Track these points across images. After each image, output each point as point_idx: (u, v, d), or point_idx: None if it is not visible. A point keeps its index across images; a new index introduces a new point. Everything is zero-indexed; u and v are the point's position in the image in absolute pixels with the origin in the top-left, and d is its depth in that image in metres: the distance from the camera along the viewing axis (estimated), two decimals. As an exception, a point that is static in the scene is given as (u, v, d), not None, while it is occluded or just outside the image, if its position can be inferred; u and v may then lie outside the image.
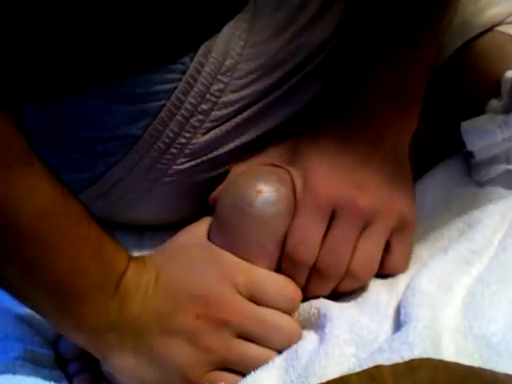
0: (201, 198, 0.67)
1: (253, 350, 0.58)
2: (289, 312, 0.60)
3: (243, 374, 0.58)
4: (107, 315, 0.56)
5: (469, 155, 0.70)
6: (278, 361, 0.58)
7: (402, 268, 0.63)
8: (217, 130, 0.65)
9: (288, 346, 0.58)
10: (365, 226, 0.60)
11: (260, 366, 0.57)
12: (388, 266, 0.63)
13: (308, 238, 0.60)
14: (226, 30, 0.63)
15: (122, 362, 0.57)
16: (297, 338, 0.59)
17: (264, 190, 0.60)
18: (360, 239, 0.60)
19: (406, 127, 0.65)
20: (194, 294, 0.58)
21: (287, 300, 0.60)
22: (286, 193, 0.60)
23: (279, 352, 0.59)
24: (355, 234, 0.60)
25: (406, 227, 0.63)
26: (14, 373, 0.60)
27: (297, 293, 0.60)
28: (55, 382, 0.60)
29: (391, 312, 0.58)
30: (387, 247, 0.62)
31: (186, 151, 0.65)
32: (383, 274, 0.63)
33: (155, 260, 0.60)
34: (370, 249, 0.61)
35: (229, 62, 0.63)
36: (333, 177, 0.60)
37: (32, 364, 0.61)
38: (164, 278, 0.58)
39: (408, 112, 0.65)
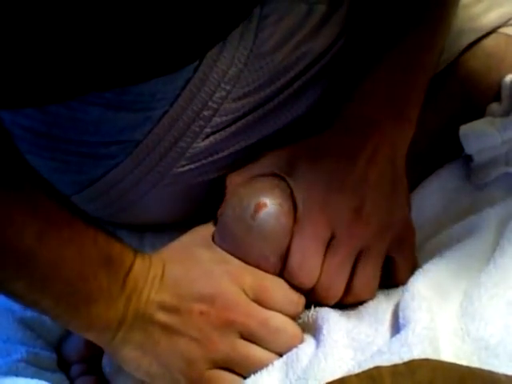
0: (200, 199, 0.67)
1: (256, 351, 0.58)
2: (293, 316, 0.60)
3: (243, 376, 0.58)
4: (116, 312, 0.57)
5: (468, 159, 0.70)
6: (278, 363, 0.58)
7: (405, 280, 0.62)
8: (216, 136, 0.65)
9: (290, 349, 0.59)
10: (362, 248, 0.61)
11: (261, 368, 0.58)
12: (391, 280, 0.63)
13: (308, 263, 0.60)
14: (232, 39, 0.62)
15: (128, 355, 0.58)
16: (299, 342, 0.59)
17: (267, 203, 0.61)
18: (359, 261, 0.61)
19: (402, 135, 0.65)
20: (200, 291, 0.58)
21: (292, 304, 0.60)
22: (287, 207, 0.61)
23: (281, 355, 0.59)
24: (352, 258, 0.61)
25: (405, 240, 0.63)
26: (17, 375, 0.61)
27: (301, 298, 0.61)
28: (57, 384, 0.61)
29: (389, 316, 0.59)
30: (389, 261, 0.63)
31: (186, 155, 0.65)
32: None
33: (161, 256, 0.60)
34: (369, 270, 0.61)
35: (233, 70, 0.63)
36: (330, 201, 0.61)
37: (34, 367, 0.62)
38: (170, 274, 0.59)
39: (405, 119, 0.65)
